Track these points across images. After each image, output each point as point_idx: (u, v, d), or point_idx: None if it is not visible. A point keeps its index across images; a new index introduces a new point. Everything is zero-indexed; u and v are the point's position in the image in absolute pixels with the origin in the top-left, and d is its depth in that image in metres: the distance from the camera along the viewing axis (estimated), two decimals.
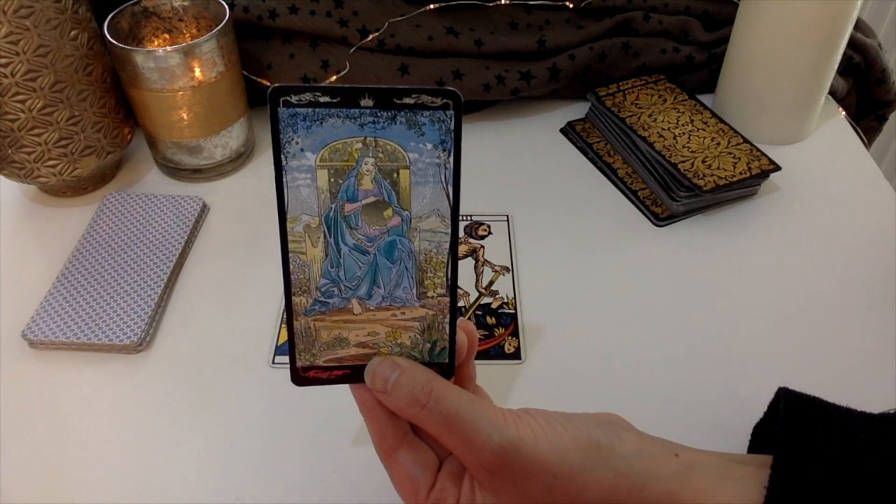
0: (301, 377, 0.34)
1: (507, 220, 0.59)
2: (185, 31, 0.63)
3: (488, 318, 0.51)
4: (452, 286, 0.34)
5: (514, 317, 0.51)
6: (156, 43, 0.63)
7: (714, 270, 0.55)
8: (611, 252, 0.56)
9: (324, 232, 0.33)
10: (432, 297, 0.34)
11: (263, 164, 0.66)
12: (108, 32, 0.56)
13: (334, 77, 0.64)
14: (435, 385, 0.32)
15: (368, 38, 0.64)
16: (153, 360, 0.49)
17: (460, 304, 0.52)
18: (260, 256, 0.56)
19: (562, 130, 0.69)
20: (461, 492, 0.33)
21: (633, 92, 0.67)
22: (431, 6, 0.66)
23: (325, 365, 0.34)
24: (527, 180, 0.63)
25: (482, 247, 0.57)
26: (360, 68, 0.64)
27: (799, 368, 0.48)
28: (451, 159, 0.32)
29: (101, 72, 0.57)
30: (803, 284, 0.54)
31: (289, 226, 0.32)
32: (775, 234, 0.58)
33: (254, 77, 0.65)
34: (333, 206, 0.32)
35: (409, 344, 0.34)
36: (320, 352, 0.34)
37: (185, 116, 0.58)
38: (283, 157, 0.31)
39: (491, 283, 0.54)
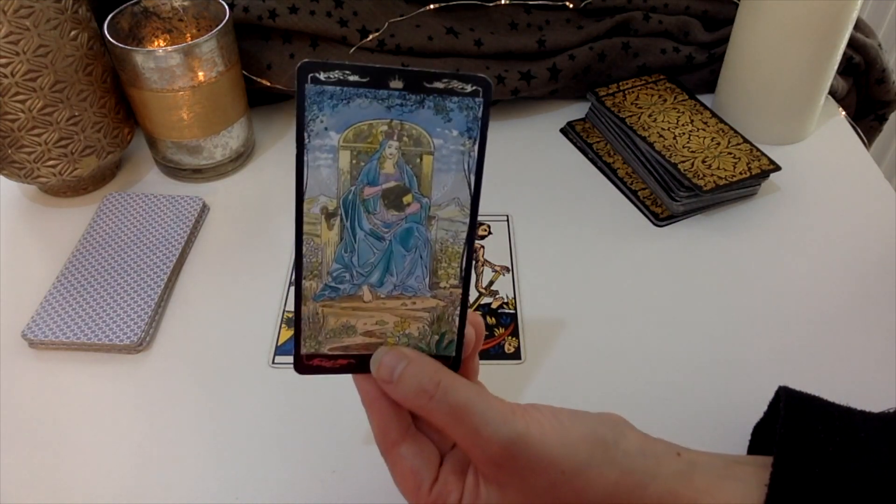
0: (304, 365, 0.33)
1: (507, 220, 0.59)
2: (185, 31, 0.63)
3: (488, 318, 0.51)
4: (466, 278, 0.33)
5: (514, 317, 0.51)
6: (156, 43, 0.63)
7: (714, 270, 0.55)
8: (611, 252, 0.56)
9: (341, 215, 0.32)
10: (445, 287, 0.33)
11: (263, 164, 0.66)
12: (108, 32, 0.56)
13: None
14: (443, 376, 0.32)
15: (368, 38, 0.64)
16: (153, 360, 0.49)
17: None
18: (260, 256, 0.56)
19: (562, 130, 0.69)
20: (465, 486, 0.33)
21: (633, 92, 0.67)
22: (431, 6, 0.66)
23: (330, 353, 0.33)
24: (527, 180, 0.63)
25: (482, 247, 0.57)
26: None
27: (798, 368, 0.48)
28: (476, 148, 0.31)
29: (101, 72, 0.57)
30: (803, 284, 0.54)
31: (305, 206, 0.31)
32: (775, 234, 0.58)
33: (254, 77, 0.65)
34: (353, 188, 0.31)
35: (416, 335, 0.34)
36: (326, 339, 0.33)
37: (185, 116, 0.58)
38: (306, 134, 0.30)
39: (491, 283, 0.54)
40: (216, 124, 0.60)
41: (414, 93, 0.30)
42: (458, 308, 0.34)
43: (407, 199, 0.32)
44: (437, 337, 0.34)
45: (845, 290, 0.53)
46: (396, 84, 0.30)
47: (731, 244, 0.57)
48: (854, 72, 0.72)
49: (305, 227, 0.32)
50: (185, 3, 0.62)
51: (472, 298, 0.52)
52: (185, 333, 0.51)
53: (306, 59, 0.29)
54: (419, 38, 0.65)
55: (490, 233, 0.58)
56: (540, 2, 0.69)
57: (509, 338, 0.50)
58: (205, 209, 0.60)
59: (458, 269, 0.33)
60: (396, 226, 0.32)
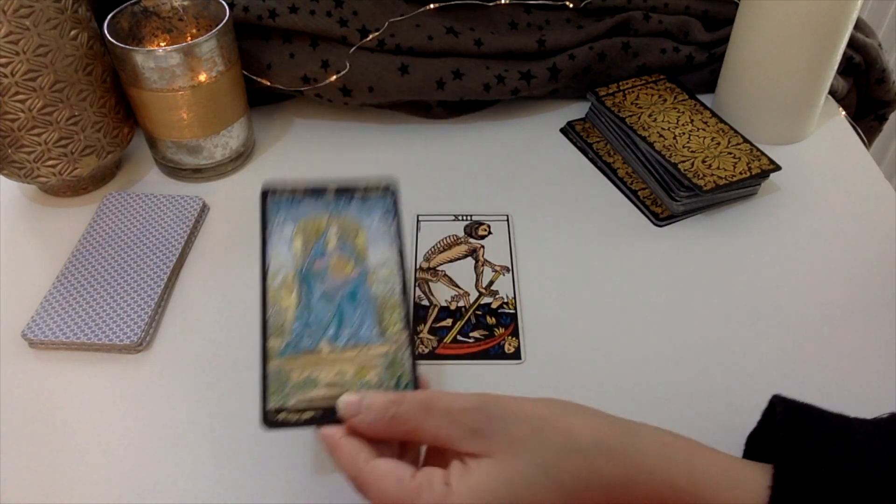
0: (271, 420, 0.36)
1: (507, 220, 0.59)
2: (185, 31, 0.63)
3: (488, 318, 0.51)
4: (408, 322, 0.39)
5: (514, 317, 0.51)
6: (156, 43, 0.63)
7: (714, 270, 0.55)
8: (611, 252, 0.56)
9: (298, 284, 0.39)
10: (392, 332, 0.38)
11: (263, 163, 0.66)
12: (108, 32, 0.56)
13: (334, 77, 0.64)
14: (402, 391, 0.35)
15: (368, 38, 0.64)
16: (153, 360, 0.49)
17: (460, 303, 0.52)
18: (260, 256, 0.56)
19: (562, 130, 0.69)
20: (450, 467, 0.32)
21: (633, 92, 0.67)
22: (431, 6, 0.66)
23: (296, 407, 0.36)
24: (527, 180, 0.63)
25: (482, 247, 0.57)
26: (360, 68, 0.64)
27: (798, 367, 0.48)
28: (395, 225, 0.41)
29: (101, 72, 0.57)
30: (803, 284, 0.54)
31: (269, 281, 0.39)
32: (775, 234, 0.58)
33: (254, 77, 0.65)
34: (306, 263, 0.40)
35: (375, 381, 0.37)
36: (291, 392, 0.36)
37: (185, 116, 0.58)
38: (268, 229, 0.40)
39: (491, 283, 0.54)
40: (216, 124, 0.60)
41: (344, 194, 0.41)
42: (408, 348, 0.38)
43: (349, 266, 0.40)
44: (394, 381, 0.37)
45: (845, 289, 0.53)
46: (331, 192, 0.41)
47: (731, 244, 0.57)
48: (854, 72, 0.72)
49: (269, 297, 0.39)
50: (185, 3, 0.62)
51: (472, 298, 0.53)
52: (185, 333, 0.51)
53: (268, 185, 0.41)
54: (419, 38, 0.65)
55: (490, 233, 0.58)
56: (540, 1, 0.69)
57: (509, 338, 0.50)
58: (205, 209, 0.60)
59: (401, 316, 0.39)
60: (344, 288, 0.39)
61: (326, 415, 0.35)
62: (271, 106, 0.72)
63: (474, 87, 0.65)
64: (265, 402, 0.36)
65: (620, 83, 0.68)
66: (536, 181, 0.63)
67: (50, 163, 0.57)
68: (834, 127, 0.69)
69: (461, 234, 0.58)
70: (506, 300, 0.52)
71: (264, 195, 0.41)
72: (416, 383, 0.37)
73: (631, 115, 0.64)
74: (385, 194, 0.42)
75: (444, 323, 0.51)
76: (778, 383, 0.47)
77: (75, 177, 0.59)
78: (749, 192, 0.61)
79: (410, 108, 0.70)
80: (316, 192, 0.41)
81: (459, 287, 0.53)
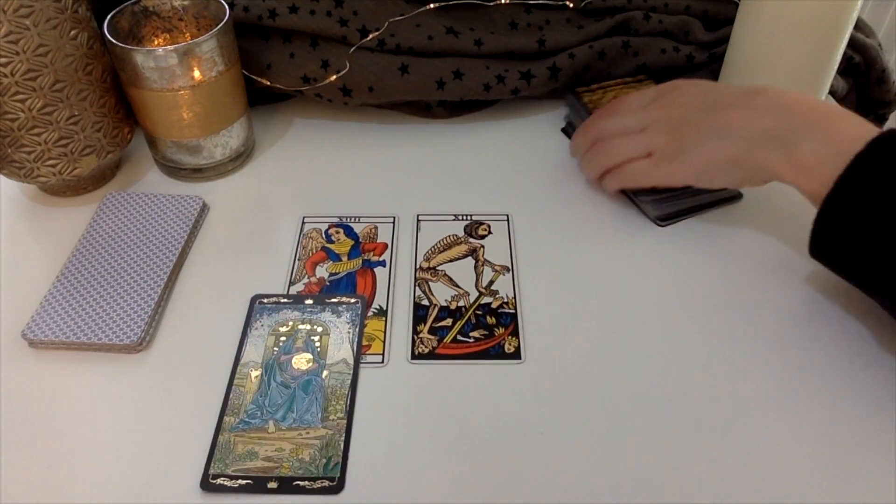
0: (209, 483, 0.41)
1: (507, 220, 0.59)
2: (185, 31, 0.63)
3: (488, 318, 0.51)
4: (350, 411, 0.44)
5: (514, 317, 0.51)
6: (156, 42, 0.63)
7: (714, 270, 0.55)
8: (611, 252, 0.56)
9: (262, 373, 0.46)
10: (333, 419, 0.44)
11: (263, 163, 0.66)
12: (108, 32, 0.56)
13: (334, 77, 0.64)
14: None
15: (368, 38, 0.64)
16: (153, 360, 0.49)
17: (460, 303, 0.52)
18: (260, 256, 0.56)
19: (562, 130, 0.69)
20: None
21: (612, 90, 0.67)
22: (431, 6, 0.66)
23: (233, 474, 0.41)
24: (527, 180, 0.63)
25: (482, 247, 0.57)
26: (360, 68, 0.64)
27: (799, 367, 0.48)
28: (357, 330, 0.48)
29: (101, 71, 0.57)
30: (803, 284, 0.54)
31: (239, 368, 0.46)
32: (776, 234, 0.58)
33: (254, 77, 0.65)
34: (274, 356, 0.47)
35: (307, 460, 0.42)
36: (232, 462, 0.42)
37: (185, 116, 0.58)
38: (249, 328, 0.49)
39: (491, 282, 0.54)
40: (216, 124, 0.60)
41: (319, 304, 0.50)
42: (344, 435, 0.43)
43: (310, 360, 0.47)
44: (325, 460, 0.41)
45: (844, 289, 0.53)
46: (309, 302, 0.50)
47: (732, 244, 0.57)
48: (854, 72, 0.72)
49: (236, 381, 0.46)
50: (185, 3, 0.62)
51: (472, 298, 0.53)
52: (185, 333, 0.51)
53: (257, 294, 0.51)
54: (419, 38, 0.65)
55: (490, 233, 0.58)
56: (540, 1, 0.69)
57: (509, 338, 0.50)
58: (205, 209, 0.60)
59: (345, 405, 0.44)
60: (301, 378, 0.46)
61: (257, 483, 0.40)
62: (271, 106, 0.72)
63: (474, 87, 0.65)
64: (207, 467, 0.41)
65: (603, 83, 0.69)
66: (536, 181, 0.63)
67: (50, 163, 0.57)
68: None
69: (461, 233, 0.58)
70: (506, 300, 0.52)
71: (252, 300, 0.50)
72: (344, 465, 0.41)
73: None
74: (355, 305, 0.50)
75: (444, 323, 0.51)
76: (778, 380, 0.47)
77: (75, 177, 0.59)
78: (734, 194, 0.60)
79: (410, 108, 0.70)
80: (295, 300, 0.50)
81: (459, 287, 0.53)
